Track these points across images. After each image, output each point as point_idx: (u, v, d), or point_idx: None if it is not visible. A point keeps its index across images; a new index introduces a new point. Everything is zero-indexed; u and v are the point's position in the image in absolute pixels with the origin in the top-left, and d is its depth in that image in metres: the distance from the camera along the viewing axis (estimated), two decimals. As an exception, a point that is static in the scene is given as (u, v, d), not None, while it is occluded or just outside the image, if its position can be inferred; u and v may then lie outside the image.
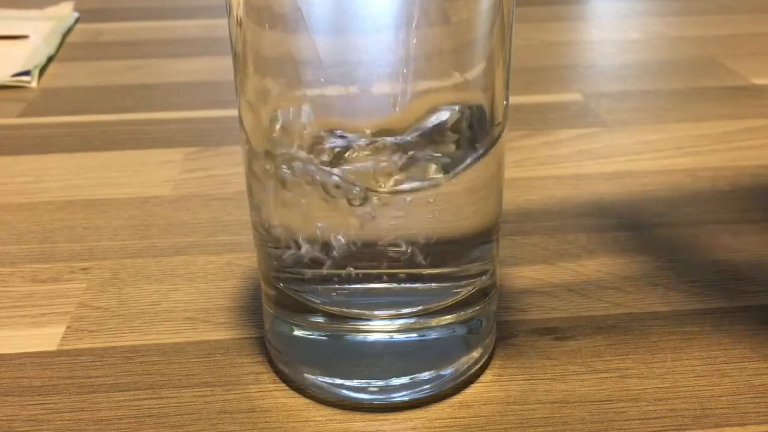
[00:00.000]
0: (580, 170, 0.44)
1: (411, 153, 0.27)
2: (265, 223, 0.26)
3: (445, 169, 0.26)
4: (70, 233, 0.38)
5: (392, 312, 0.26)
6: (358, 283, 0.26)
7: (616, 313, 0.32)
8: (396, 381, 0.27)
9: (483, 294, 0.28)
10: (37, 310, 0.32)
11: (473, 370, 0.28)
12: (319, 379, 0.27)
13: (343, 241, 0.26)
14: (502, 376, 0.28)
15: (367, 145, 0.27)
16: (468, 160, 0.26)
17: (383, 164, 0.26)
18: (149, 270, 0.35)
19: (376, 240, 0.25)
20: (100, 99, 0.56)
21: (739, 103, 0.53)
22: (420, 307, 0.26)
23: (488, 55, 0.25)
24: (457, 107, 0.26)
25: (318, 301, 0.26)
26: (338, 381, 0.27)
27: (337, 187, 0.26)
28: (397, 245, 0.26)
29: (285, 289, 0.27)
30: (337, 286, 0.26)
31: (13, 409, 0.27)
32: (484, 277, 0.27)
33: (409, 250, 0.26)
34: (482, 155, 0.26)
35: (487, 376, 0.28)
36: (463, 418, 0.27)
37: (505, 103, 0.26)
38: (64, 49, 0.67)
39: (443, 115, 0.27)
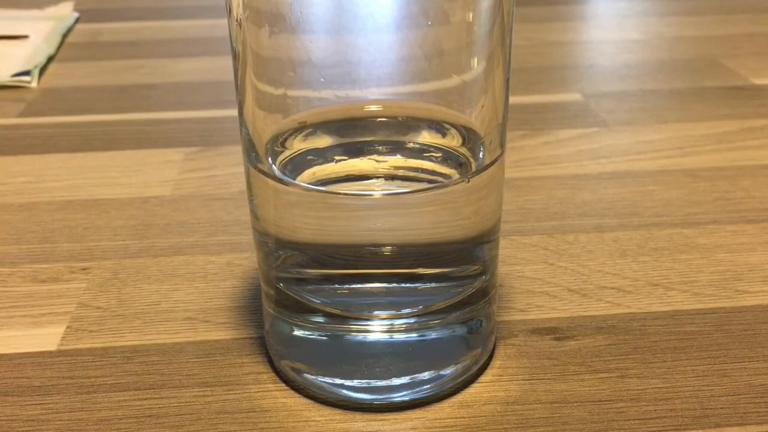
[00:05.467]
0: (580, 170, 0.44)
1: (412, 157, 0.27)
2: (265, 223, 0.26)
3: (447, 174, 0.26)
4: (70, 233, 0.38)
5: (392, 312, 0.26)
6: (358, 283, 0.26)
7: (616, 313, 0.32)
8: (396, 381, 0.27)
9: (483, 294, 0.28)
10: (37, 310, 0.32)
11: (473, 370, 0.28)
12: (319, 379, 0.27)
13: (343, 241, 0.26)
14: (502, 376, 0.28)
15: (370, 147, 0.27)
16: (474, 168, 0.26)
17: (384, 167, 0.27)
18: (149, 270, 0.35)
19: (377, 240, 0.25)
20: (100, 99, 0.56)
21: (739, 103, 0.53)
22: (420, 307, 0.26)
23: (488, 56, 0.25)
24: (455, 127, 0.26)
25: (318, 301, 0.26)
26: (338, 381, 0.27)
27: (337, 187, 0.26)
28: (397, 245, 0.26)
29: (285, 289, 0.27)
30: (337, 286, 0.26)
31: (13, 409, 0.27)
32: (484, 277, 0.27)
33: (408, 251, 0.26)
34: (488, 166, 0.26)
35: (487, 376, 0.28)
36: (463, 418, 0.27)
37: (504, 103, 0.26)
38: (64, 49, 0.67)
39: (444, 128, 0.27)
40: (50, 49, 0.65)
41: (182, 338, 0.30)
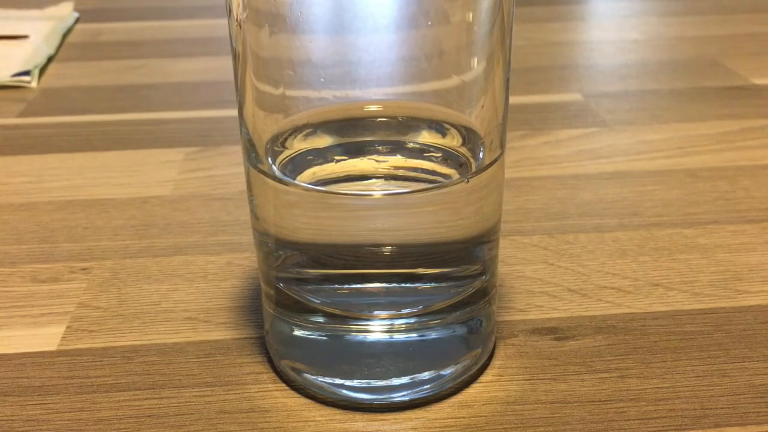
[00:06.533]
0: (580, 170, 0.44)
1: (412, 157, 0.27)
2: (265, 223, 0.26)
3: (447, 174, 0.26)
4: (70, 233, 0.38)
5: (392, 312, 0.26)
6: (358, 283, 0.26)
7: (616, 313, 0.32)
8: (396, 381, 0.27)
9: (483, 294, 0.28)
10: (37, 310, 0.32)
11: (473, 370, 0.28)
12: (319, 379, 0.27)
13: (343, 241, 0.26)
14: (502, 376, 0.28)
15: (370, 147, 0.27)
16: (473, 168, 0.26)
17: (384, 167, 0.27)
18: (149, 270, 0.35)
19: (377, 240, 0.25)
20: (100, 99, 0.56)
21: (739, 103, 0.53)
22: (420, 307, 0.26)
23: (488, 56, 0.25)
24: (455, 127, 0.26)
25: (318, 301, 0.26)
26: (338, 381, 0.27)
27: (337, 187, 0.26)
28: (397, 245, 0.26)
29: (285, 289, 0.27)
30: (337, 286, 0.26)
31: (13, 409, 0.27)
32: (484, 277, 0.27)
33: (408, 251, 0.26)
34: (488, 166, 0.26)
35: (487, 376, 0.28)
36: (463, 418, 0.27)
37: (504, 103, 0.26)
38: (64, 49, 0.67)
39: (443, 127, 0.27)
40: (50, 49, 0.65)
41: (182, 338, 0.30)
